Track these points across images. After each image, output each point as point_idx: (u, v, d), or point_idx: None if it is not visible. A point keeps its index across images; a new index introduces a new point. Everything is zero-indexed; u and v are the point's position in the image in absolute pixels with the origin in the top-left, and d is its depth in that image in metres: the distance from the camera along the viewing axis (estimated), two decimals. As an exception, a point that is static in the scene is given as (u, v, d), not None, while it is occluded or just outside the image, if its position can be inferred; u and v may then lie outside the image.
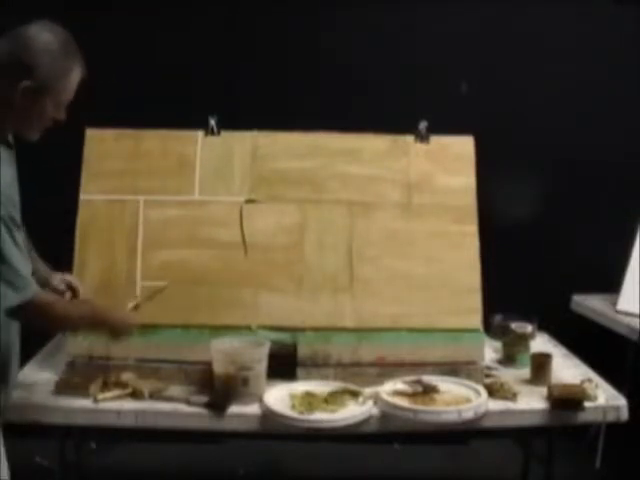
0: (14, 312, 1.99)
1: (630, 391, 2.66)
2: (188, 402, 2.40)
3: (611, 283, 3.41)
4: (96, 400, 2.39)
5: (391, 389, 2.45)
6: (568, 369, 2.75)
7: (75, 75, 2.03)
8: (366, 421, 2.36)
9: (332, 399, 2.41)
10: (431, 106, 3.15)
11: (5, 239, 1.92)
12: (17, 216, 2.00)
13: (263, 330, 2.57)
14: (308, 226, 2.72)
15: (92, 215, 2.68)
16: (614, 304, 3.37)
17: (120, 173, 2.74)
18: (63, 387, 2.44)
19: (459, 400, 2.40)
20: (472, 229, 2.74)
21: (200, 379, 2.49)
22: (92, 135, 2.76)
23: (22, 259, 1.99)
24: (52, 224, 2.81)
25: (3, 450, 2.06)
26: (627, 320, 3.25)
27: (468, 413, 2.35)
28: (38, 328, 2.18)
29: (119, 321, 2.31)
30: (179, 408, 2.39)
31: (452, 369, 2.57)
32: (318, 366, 2.56)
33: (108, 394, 2.41)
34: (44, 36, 1.98)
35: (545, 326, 3.05)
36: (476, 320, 2.65)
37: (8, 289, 1.94)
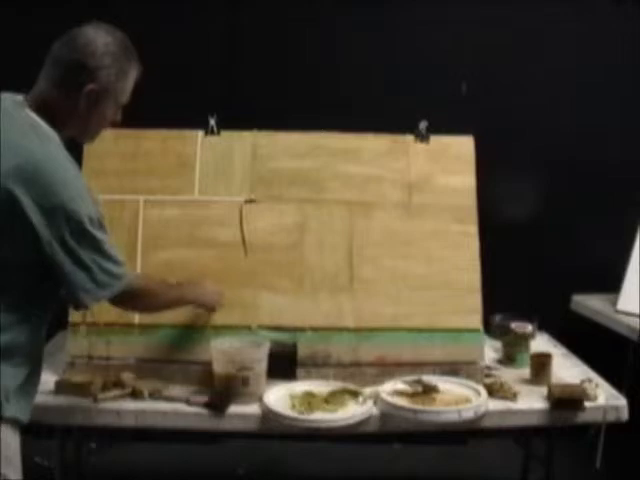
0: (116, 299, 2.08)
1: (630, 391, 2.66)
2: (188, 402, 2.40)
3: (611, 283, 3.41)
4: (96, 400, 2.39)
5: (391, 389, 2.45)
6: (568, 369, 2.75)
7: (133, 75, 2.05)
8: (366, 421, 2.36)
9: (332, 399, 2.41)
10: (431, 106, 3.15)
11: (101, 233, 1.97)
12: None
13: (263, 330, 2.57)
14: (308, 226, 2.72)
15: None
16: (614, 304, 3.37)
17: (120, 173, 2.74)
18: (63, 387, 2.44)
19: (459, 400, 2.40)
20: (472, 229, 2.74)
21: (200, 379, 2.49)
22: (92, 135, 2.76)
23: (116, 249, 2.05)
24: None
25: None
26: (627, 320, 3.24)
27: (468, 413, 2.34)
28: (135, 311, 2.43)
29: (208, 298, 2.51)
30: (179, 408, 2.39)
31: (452, 369, 2.57)
32: (318, 366, 2.56)
33: (108, 394, 2.41)
34: (103, 38, 1.98)
35: (545, 326, 3.05)
36: (476, 320, 2.65)
37: (113, 280, 2.01)
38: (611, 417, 2.45)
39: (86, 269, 1.95)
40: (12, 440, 1.93)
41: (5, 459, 1.89)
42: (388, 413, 2.37)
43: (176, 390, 2.47)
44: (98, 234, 1.96)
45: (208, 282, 2.54)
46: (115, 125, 2.11)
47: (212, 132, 2.81)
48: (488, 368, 2.69)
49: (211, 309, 2.54)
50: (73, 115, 1.98)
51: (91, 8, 3.24)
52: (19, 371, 1.93)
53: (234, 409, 2.37)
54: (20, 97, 1.98)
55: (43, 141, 1.92)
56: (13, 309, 1.91)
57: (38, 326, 2.00)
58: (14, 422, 1.92)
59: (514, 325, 2.86)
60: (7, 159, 1.86)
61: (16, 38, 3.43)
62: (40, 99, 1.97)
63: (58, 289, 2.01)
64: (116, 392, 2.42)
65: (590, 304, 3.51)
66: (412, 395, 2.42)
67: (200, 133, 2.81)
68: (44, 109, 1.95)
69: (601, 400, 2.47)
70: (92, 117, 2.00)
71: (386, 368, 2.56)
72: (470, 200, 2.77)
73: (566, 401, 2.42)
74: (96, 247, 1.96)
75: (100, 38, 1.98)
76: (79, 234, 1.91)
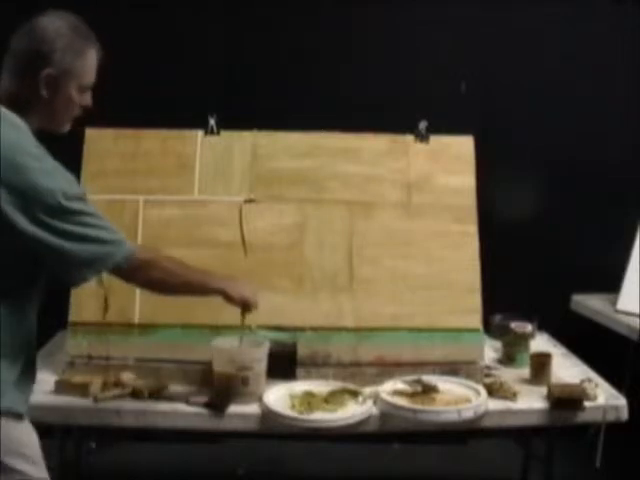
0: (123, 271, 2.02)
1: (630, 391, 2.66)
2: (188, 402, 2.40)
3: (611, 283, 3.41)
4: (96, 400, 2.39)
5: (391, 389, 2.45)
6: (568, 369, 2.75)
7: (91, 55, 2.03)
8: (366, 421, 2.36)
9: (332, 399, 2.41)
10: (431, 106, 3.15)
11: (81, 205, 1.95)
12: None
13: (263, 330, 2.57)
14: (308, 226, 2.72)
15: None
16: (614, 304, 3.37)
17: (120, 173, 2.74)
18: (63, 387, 2.44)
19: (459, 400, 2.40)
20: (472, 229, 2.74)
21: (200, 379, 2.50)
22: (92, 135, 2.77)
23: (108, 220, 2.02)
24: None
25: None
26: (627, 320, 3.24)
27: (468, 413, 2.34)
28: (150, 286, 2.15)
29: (240, 293, 2.30)
30: (179, 408, 2.39)
31: (452, 369, 2.57)
32: (318, 366, 2.56)
33: (108, 394, 2.41)
34: (54, 23, 1.99)
35: (545, 326, 3.05)
36: (476, 320, 2.65)
37: (110, 247, 1.97)
38: (611, 417, 2.45)
39: (75, 241, 1.92)
40: (18, 433, 1.92)
41: (19, 455, 1.89)
42: (388, 413, 2.37)
43: (176, 390, 2.47)
44: (76, 205, 1.93)
45: (242, 278, 2.41)
46: (87, 110, 2.06)
47: (212, 132, 2.81)
48: (488, 368, 2.69)
49: (244, 306, 2.34)
50: (36, 103, 1.97)
51: (91, 8, 3.25)
52: (11, 363, 1.92)
53: (234, 409, 2.37)
54: None
55: (10, 129, 1.92)
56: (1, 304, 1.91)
57: (26, 315, 1.99)
58: (13, 415, 1.91)
59: (514, 325, 2.86)
60: None
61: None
62: (5, 92, 1.98)
63: (43, 276, 2.00)
64: (116, 392, 2.42)
65: (590, 304, 3.50)
66: (412, 395, 2.42)
67: (200, 133, 2.81)
68: (9, 102, 1.96)
69: (601, 400, 2.47)
70: (56, 102, 1.99)
71: (386, 368, 2.56)
72: (470, 200, 2.77)
73: (566, 401, 2.42)
74: (79, 220, 1.93)
75: (51, 24, 1.98)
76: (56, 210, 1.89)
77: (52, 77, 1.96)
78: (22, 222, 1.87)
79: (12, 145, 1.89)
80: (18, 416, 1.93)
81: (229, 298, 2.28)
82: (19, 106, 1.96)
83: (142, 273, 2.07)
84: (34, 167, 1.89)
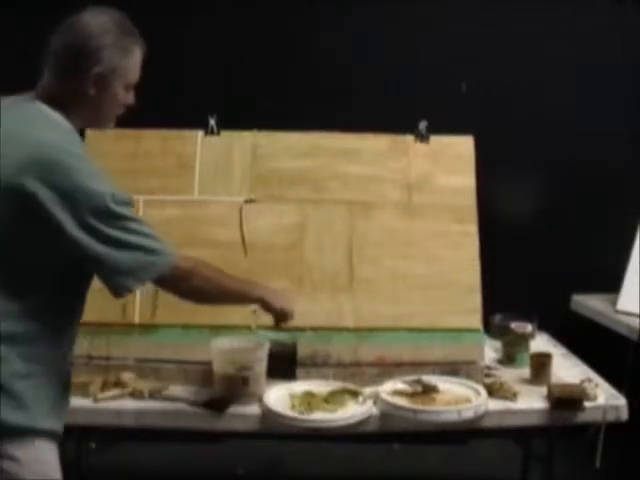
0: (164, 281, 1.96)
1: (630, 391, 2.66)
2: (188, 402, 2.40)
3: (611, 283, 3.41)
4: (96, 400, 2.39)
5: (391, 389, 2.45)
6: (568, 369, 2.75)
7: (138, 52, 1.98)
8: (366, 421, 2.36)
9: (332, 399, 2.41)
10: (431, 106, 3.15)
11: (128, 211, 1.89)
12: None
13: (263, 330, 2.56)
14: (308, 226, 2.72)
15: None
16: (614, 304, 3.37)
17: (120, 173, 2.72)
18: (63, 387, 2.44)
19: (459, 400, 2.40)
20: (472, 229, 2.74)
21: (200, 379, 2.49)
22: (92, 135, 2.76)
23: (152, 228, 1.96)
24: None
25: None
26: (627, 320, 3.25)
27: (468, 413, 2.34)
28: (192, 296, 2.07)
29: (279, 303, 2.25)
30: (179, 408, 2.39)
31: (452, 369, 2.57)
32: (318, 366, 2.56)
33: (108, 394, 2.41)
34: (98, 18, 1.93)
35: (545, 326, 3.05)
36: (476, 320, 2.65)
37: (155, 256, 1.91)
38: (611, 417, 2.46)
39: (120, 248, 1.85)
40: (50, 456, 1.88)
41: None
42: (388, 413, 2.37)
43: (176, 390, 2.47)
44: (124, 210, 1.87)
45: (285, 296, 2.33)
46: (130, 108, 2.03)
47: (212, 132, 2.81)
48: (488, 368, 2.69)
49: (281, 316, 2.28)
50: (83, 102, 1.92)
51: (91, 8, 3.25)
52: (50, 382, 1.88)
53: (234, 409, 2.37)
54: (27, 94, 1.94)
55: (54, 128, 1.87)
56: (39, 317, 1.84)
57: (66, 334, 1.93)
58: (50, 435, 1.88)
59: (514, 325, 2.86)
60: (19, 151, 1.81)
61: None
62: (47, 91, 1.92)
63: (85, 293, 1.95)
64: (116, 392, 2.42)
65: (590, 304, 3.51)
66: (412, 395, 2.42)
67: (200, 133, 2.81)
68: (53, 100, 1.91)
69: (601, 400, 2.47)
70: (103, 101, 1.94)
71: (386, 368, 2.56)
72: (470, 200, 2.77)
73: (566, 401, 2.42)
74: (125, 226, 1.86)
75: (95, 19, 1.93)
76: (103, 214, 1.83)
77: (101, 75, 1.91)
78: (70, 225, 1.80)
79: (56, 146, 1.84)
80: (56, 437, 1.90)
81: (268, 307, 2.24)
82: (63, 105, 1.91)
83: (184, 283, 2.00)
84: (81, 168, 1.84)
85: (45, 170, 1.80)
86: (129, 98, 2.00)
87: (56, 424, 1.90)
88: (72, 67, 1.90)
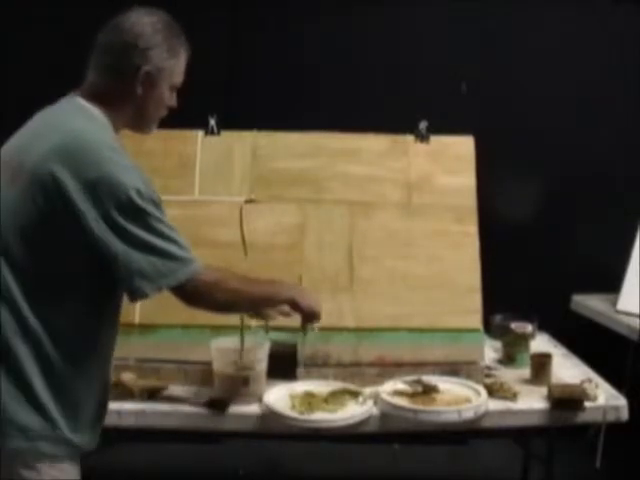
0: (183, 291, 1.87)
1: (630, 391, 2.66)
2: (188, 402, 2.40)
3: (611, 283, 3.41)
4: (96, 400, 2.38)
5: (391, 389, 2.45)
6: (568, 369, 2.75)
7: (184, 54, 1.98)
8: (366, 421, 2.36)
9: (332, 399, 2.41)
10: (431, 106, 3.15)
11: (154, 209, 1.82)
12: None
13: (263, 330, 2.56)
14: (308, 226, 2.72)
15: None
16: (614, 304, 3.37)
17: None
18: (63, 387, 2.44)
19: (459, 400, 2.40)
20: (472, 229, 2.74)
21: (200, 379, 2.49)
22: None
23: (178, 232, 1.87)
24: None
25: None
26: (627, 320, 3.25)
27: (468, 413, 2.34)
28: (215, 309, 2.01)
29: (308, 301, 2.16)
30: (179, 408, 2.39)
31: (452, 369, 2.57)
32: (318, 366, 2.56)
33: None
34: (148, 18, 1.91)
35: (545, 326, 3.05)
36: (476, 320, 2.65)
37: (176, 263, 1.82)
38: (611, 417, 2.45)
39: (140, 249, 1.78)
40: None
41: None
42: (388, 413, 2.37)
43: (176, 390, 2.47)
44: (150, 208, 1.79)
45: (312, 293, 2.25)
46: (172, 110, 2.00)
47: (212, 132, 2.81)
48: (488, 368, 2.69)
49: (310, 315, 2.19)
50: (129, 101, 1.90)
51: (90, 9, 3.25)
52: (84, 396, 1.85)
53: (234, 409, 2.37)
54: (72, 94, 1.92)
55: (89, 120, 1.85)
56: (69, 318, 1.81)
57: (100, 335, 1.89)
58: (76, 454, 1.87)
59: (514, 325, 2.85)
60: (51, 139, 1.79)
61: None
62: (92, 89, 1.89)
63: (118, 294, 1.89)
64: (116, 392, 2.42)
65: (590, 304, 3.51)
66: (412, 395, 2.42)
67: (200, 133, 2.81)
68: (98, 99, 1.88)
69: (601, 400, 2.47)
70: (149, 101, 1.92)
71: (386, 368, 2.56)
72: (470, 200, 2.77)
73: (566, 401, 2.42)
74: (149, 224, 1.79)
75: (145, 18, 1.91)
76: (127, 208, 1.76)
77: (149, 75, 1.89)
78: (92, 217, 1.75)
79: (87, 134, 1.81)
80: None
81: (297, 307, 2.16)
82: (108, 103, 1.88)
83: (206, 297, 1.91)
84: (110, 158, 1.78)
85: (73, 157, 1.77)
86: (173, 100, 1.99)
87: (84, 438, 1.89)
88: (121, 64, 1.88)
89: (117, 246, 1.77)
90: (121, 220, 1.76)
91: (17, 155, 1.84)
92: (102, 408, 1.94)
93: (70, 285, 1.81)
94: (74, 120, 1.84)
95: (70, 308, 1.81)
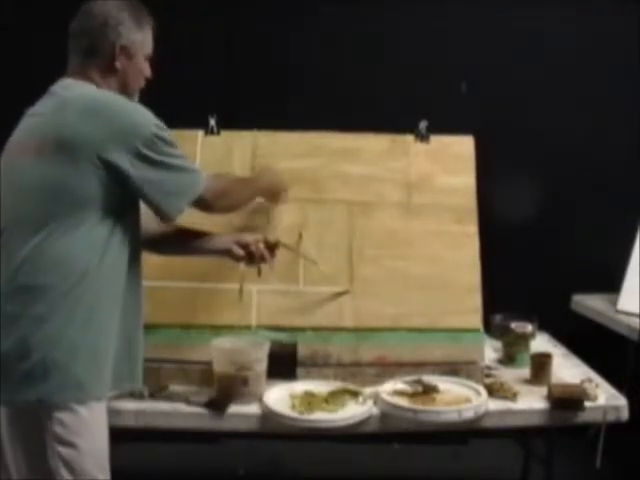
0: (201, 201, 2.19)
1: (630, 391, 2.66)
2: (188, 402, 2.40)
3: (611, 283, 3.41)
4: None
5: (391, 389, 2.45)
6: (568, 369, 2.75)
7: (149, 26, 2.22)
8: (366, 421, 2.36)
9: (332, 399, 2.41)
10: (431, 106, 3.15)
11: (171, 139, 2.10)
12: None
13: (263, 330, 2.57)
14: (308, 226, 2.71)
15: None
16: (614, 304, 3.37)
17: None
18: (63, 387, 2.44)
19: (459, 400, 2.40)
20: (472, 229, 2.74)
21: (200, 379, 2.49)
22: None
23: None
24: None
25: None
26: (627, 320, 3.24)
27: (468, 413, 2.34)
28: (218, 211, 2.34)
29: (277, 184, 2.63)
30: (179, 408, 2.39)
31: (452, 369, 2.57)
32: (318, 366, 2.56)
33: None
34: (112, 1, 2.15)
35: (545, 326, 3.05)
36: (476, 320, 2.65)
37: (194, 175, 2.15)
38: (611, 417, 2.45)
39: (169, 170, 2.07)
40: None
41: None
42: (388, 413, 2.37)
43: (176, 390, 2.47)
44: (165, 135, 2.08)
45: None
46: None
47: (212, 132, 2.81)
48: (488, 368, 2.69)
49: (277, 197, 2.63)
50: (111, 76, 2.13)
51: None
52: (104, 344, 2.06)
53: (234, 409, 2.37)
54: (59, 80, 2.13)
55: (89, 88, 2.09)
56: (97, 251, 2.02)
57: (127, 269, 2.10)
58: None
59: (514, 325, 2.86)
60: (65, 109, 2.01)
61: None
62: (78, 71, 2.11)
63: (137, 225, 2.13)
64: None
65: (590, 304, 3.50)
66: (412, 395, 2.42)
67: (200, 133, 2.81)
68: (85, 78, 2.11)
69: (601, 400, 2.47)
70: (129, 73, 2.16)
71: (386, 368, 2.56)
72: (470, 200, 2.77)
73: (566, 401, 2.42)
74: (168, 151, 2.07)
75: (109, 2, 2.14)
76: (151, 140, 2.03)
77: (124, 48, 2.12)
78: (127, 163, 1.99)
79: (98, 96, 2.06)
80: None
81: (270, 194, 2.60)
82: (94, 81, 2.11)
83: (216, 203, 2.26)
84: (124, 105, 2.06)
85: (93, 116, 2.00)
86: (148, 71, 2.22)
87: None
88: (98, 45, 2.11)
89: (151, 175, 2.04)
90: (150, 153, 2.03)
91: (35, 132, 2.04)
92: (128, 361, 2.15)
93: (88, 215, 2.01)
94: (77, 90, 2.07)
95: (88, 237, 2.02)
